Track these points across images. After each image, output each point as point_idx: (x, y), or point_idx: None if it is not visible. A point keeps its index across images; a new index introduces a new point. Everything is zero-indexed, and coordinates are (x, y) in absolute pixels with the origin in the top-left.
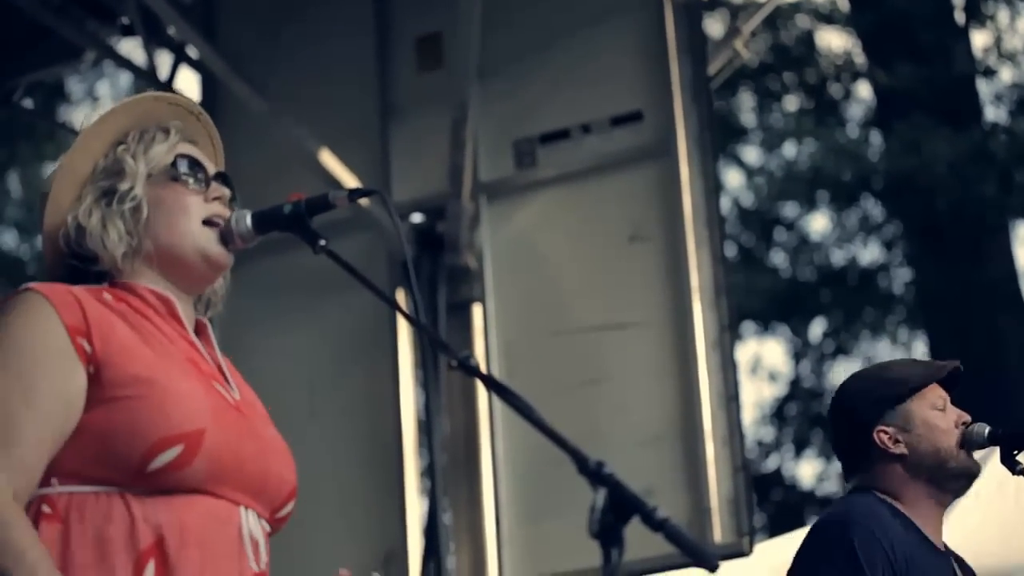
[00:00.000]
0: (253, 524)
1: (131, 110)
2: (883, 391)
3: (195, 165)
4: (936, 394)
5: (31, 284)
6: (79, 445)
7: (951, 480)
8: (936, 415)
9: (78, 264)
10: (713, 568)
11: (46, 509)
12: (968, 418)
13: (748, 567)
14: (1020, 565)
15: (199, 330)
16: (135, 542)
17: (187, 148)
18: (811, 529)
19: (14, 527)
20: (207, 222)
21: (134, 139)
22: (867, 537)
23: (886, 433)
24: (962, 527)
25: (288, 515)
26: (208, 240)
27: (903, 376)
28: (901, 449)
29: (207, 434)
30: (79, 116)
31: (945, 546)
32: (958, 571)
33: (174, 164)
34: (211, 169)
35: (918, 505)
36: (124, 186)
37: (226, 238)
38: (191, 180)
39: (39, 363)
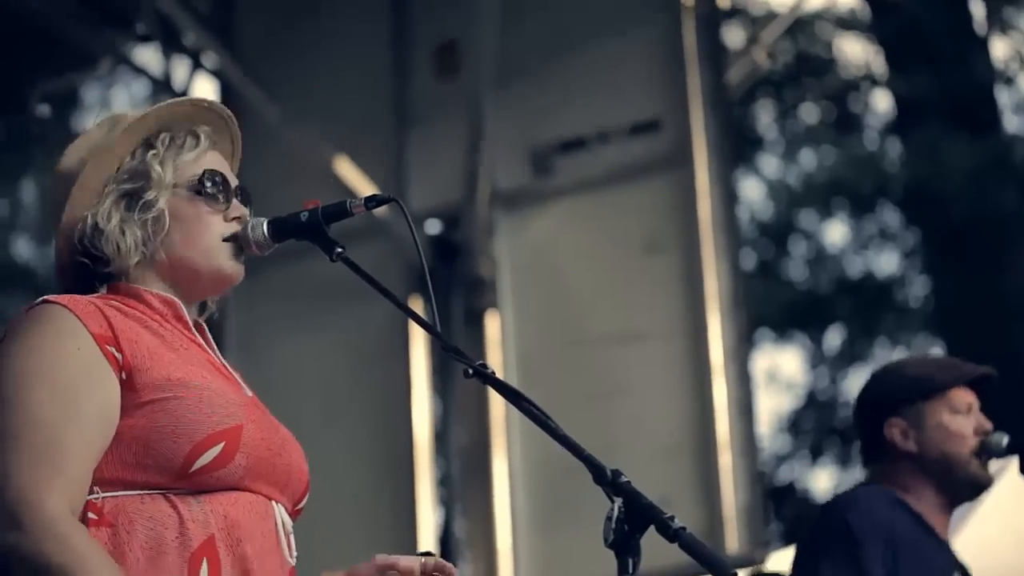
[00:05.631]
0: (285, 518)
1: (164, 113)
2: (900, 386)
3: (219, 180)
4: (961, 398)
5: (49, 297)
6: (118, 452)
7: (959, 487)
8: (954, 420)
9: (88, 263)
10: None
11: (92, 516)
12: (990, 427)
13: None
14: None
15: (197, 331)
16: (186, 542)
17: (213, 159)
18: (814, 518)
19: (90, 560)
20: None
21: (163, 143)
22: (863, 518)
23: (897, 427)
24: (979, 537)
25: (303, 508)
26: (224, 256)
27: (926, 375)
28: (910, 446)
29: (244, 430)
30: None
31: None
32: (964, 566)
33: (200, 179)
34: (233, 182)
35: (924, 499)
36: (148, 195)
37: (241, 248)
38: (213, 197)
39: (76, 377)
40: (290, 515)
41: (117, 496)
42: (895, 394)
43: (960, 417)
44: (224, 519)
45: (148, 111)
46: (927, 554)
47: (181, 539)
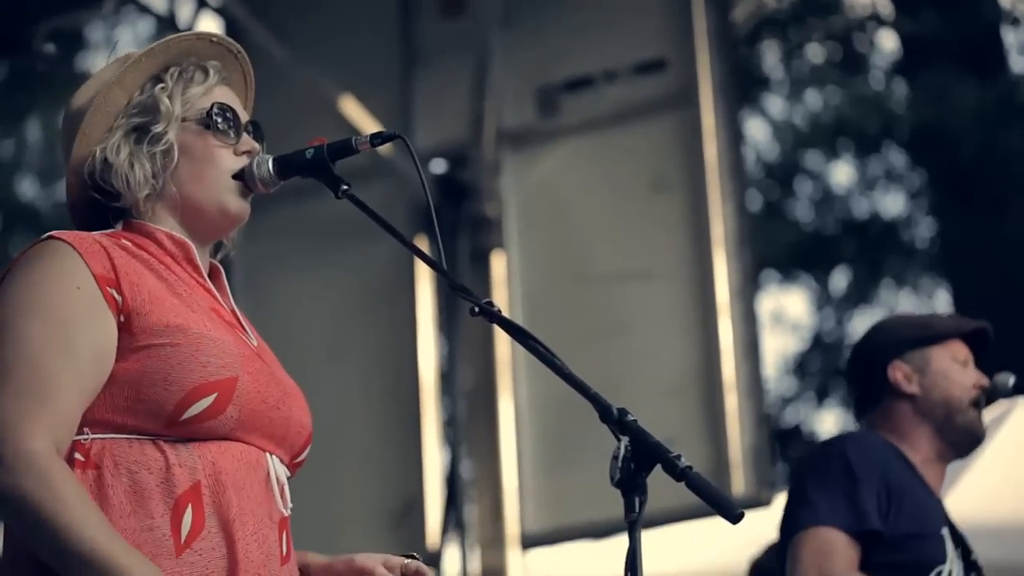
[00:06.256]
0: (278, 469)
1: (172, 48)
2: (906, 331)
3: (229, 115)
4: (960, 350)
5: (54, 233)
6: (111, 395)
7: (956, 434)
8: (956, 368)
9: (99, 198)
10: (736, 519)
11: (78, 456)
12: (987, 382)
13: (768, 518)
14: None
15: (213, 275)
16: (171, 487)
17: (223, 93)
18: (809, 451)
19: (68, 499)
20: (236, 175)
21: (172, 77)
22: (862, 452)
23: (901, 370)
24: (982, 484)
25: (304, 460)
26: (230, 193)
27: (929, 323)
28: (913, 389)
29: (239, 382)
30: (99, 63)
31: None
32: (954, 523)
33: (209, 113)
34: (243, 117)
35: (920, 449)
36: (157, 128)
37: (249, 187)
38: (223, 130)
39: (73, 315)
40: (289, 467)
41: (105, 438)
42: (901, 339)
43: (959, 367)
44: (212, 466)
45: (156, 45)
46: (919, 503)
47: (166, 485)
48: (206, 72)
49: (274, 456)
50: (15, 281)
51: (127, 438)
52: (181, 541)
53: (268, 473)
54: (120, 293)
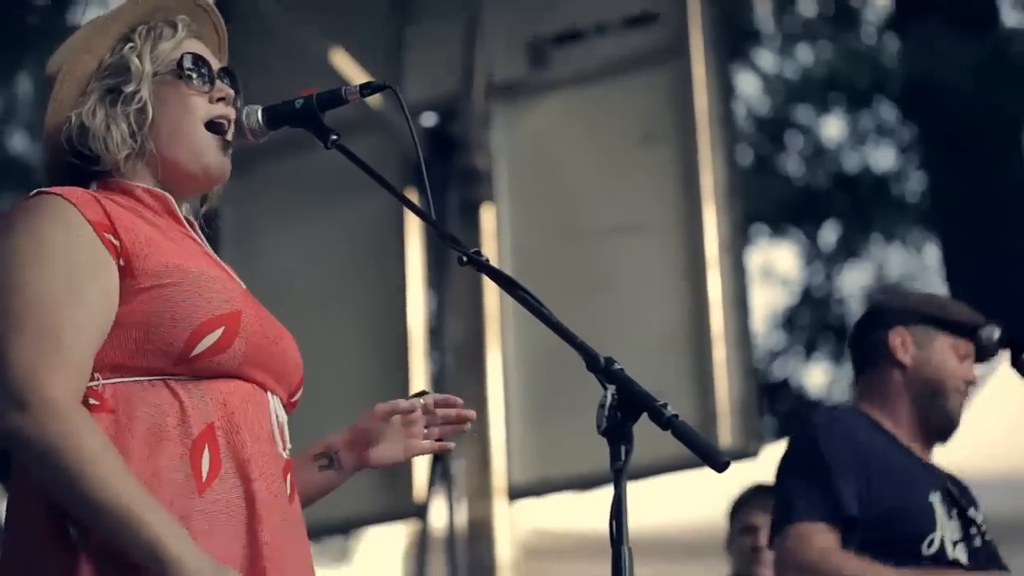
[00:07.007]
0: (279, 411)
1: (139, 8)
2: (923, 307)
3: (200, 63)
4: (965, 345)
5: (43, 188)
6: (119, 338)
7: (935, 415)
8: (953, 359)
9: (78, 163)
10: (722, 467)
11: (93, 401)
12: (976, 381)
13: (754, 469)
14: None
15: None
16: (187, 429)
17: (193, 45)
18: (788, 441)
19: (91, 444)
20: (211, 126)
21: (140, 36)
22: (833, 438)
23: (901, 337)
24: (972, 430)
25: (298, 401)
26: (209, 150)
27: (950, 309)
28: (906, 359)
29: (243, 315)
30: (90, 17)
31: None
32: (951, 487)
33: (179, 63)
34: (216, 65)
35: (902, 422)
36: (129, 88)
37: (228, 142)
38: (196, 79)
39: (76, 262)
40: (285, 407)
41: (117, 383)
42: (914, 310)
43: (957, 359)
44: (223, 407)
45: (122, 6)
46: (905, 475)
47: (182, 426)
48: (175, 27)
49: (275, 396)
50: (10, 237)
51: (138, 381)
52: (203, 480)
53: (270, 414)
54: (117, 238)
